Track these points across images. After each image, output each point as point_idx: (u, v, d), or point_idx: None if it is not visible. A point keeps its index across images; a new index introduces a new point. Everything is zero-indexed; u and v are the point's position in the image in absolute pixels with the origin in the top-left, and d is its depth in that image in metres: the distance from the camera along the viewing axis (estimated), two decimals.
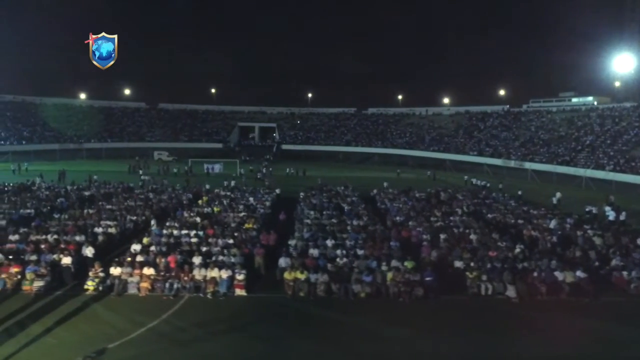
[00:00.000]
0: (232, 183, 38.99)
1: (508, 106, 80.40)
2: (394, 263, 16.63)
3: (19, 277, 14.90)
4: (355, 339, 12.46)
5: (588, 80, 73.94)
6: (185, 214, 25.04)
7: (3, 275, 14.87)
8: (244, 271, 15.45)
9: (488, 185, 42.52)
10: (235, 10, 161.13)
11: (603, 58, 67.91)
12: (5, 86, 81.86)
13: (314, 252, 18.06)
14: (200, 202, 29.58)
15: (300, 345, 12.06)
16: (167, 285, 14.89)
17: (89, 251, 16.81)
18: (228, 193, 33.31)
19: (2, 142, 66.17)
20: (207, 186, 35.93)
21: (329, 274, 15.42)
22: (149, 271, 15.25)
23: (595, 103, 69.61)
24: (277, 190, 34.83)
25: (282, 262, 16.86)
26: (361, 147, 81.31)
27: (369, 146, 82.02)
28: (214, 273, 15.32)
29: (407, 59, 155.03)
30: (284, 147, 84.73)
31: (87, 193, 32.20)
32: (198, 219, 23.60)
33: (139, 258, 16.50)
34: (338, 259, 17.01)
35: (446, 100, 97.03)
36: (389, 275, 15.43)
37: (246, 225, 22.47)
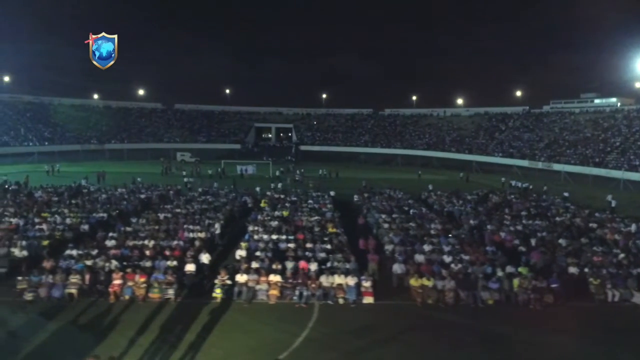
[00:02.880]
0: (279, 185, 38.84)
1: (528, 107, 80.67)
2: (509, 269, 16.54)
3: (145, 285, 14.66)
4: (506, 347, 12.35)
5: (610, 81, 74.19)
6: (260, 218, 24.84)
7: (130, 284, 14.63)
8: (370, 278, 15.31)
9: (530, 187, 42.47)
10: (245, 10, 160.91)
11: (625, 59, 68.16)
12: (21, 86, 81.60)
13: (419, 257, 17.97)
14: (262, 205, 29.40)
15: (458, 355, 11.94)
16: (296, 292, 14.72)
17: (205, 258, 16.61)
18: (282, 196, 33.05)
19: (26, 143, 65.67)
20: (258, 189, 35.76)
21: (455, 281, 15.30)
22: (275, 278, 15.08)
23: (619, 104, 69.84)
24: (332, 193, 34.63)
25: (397, 268, 16.74)
26: (383, 149, 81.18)
27: (389, 147, 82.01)
28: (340, 280, 15.17)
29: (421, 59, 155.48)
30: (303, 148, 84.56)
31: (142, 196, 31.88)
32: (276, 223, 23.43)
33: (254, 264, 16.32)
34: (452, 265, 16.90)
35: (460, 101, 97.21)
36: (515, 282, 15.33)
37: (329, 230, 22.32)
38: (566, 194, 37.28)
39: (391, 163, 75.40)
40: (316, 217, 25.17)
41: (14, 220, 22.62)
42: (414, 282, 15.27)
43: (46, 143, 67.55)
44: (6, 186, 34.92)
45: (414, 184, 45.19)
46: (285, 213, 26.37)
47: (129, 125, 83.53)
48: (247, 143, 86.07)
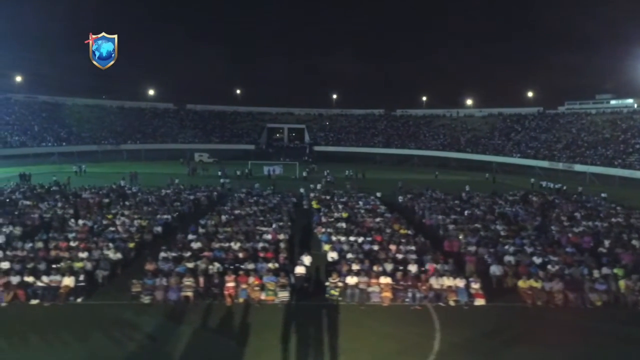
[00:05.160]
0: (318, 186, 38.84)
1: (542, 108, 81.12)
2: (604, 270, 16.68)
3: (258, 288, 14.62)
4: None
5: (625, 82, 74.74)
6: (324, 219, 24.84)
7: (243, 286, 14.58)
8: (479, 279, 15.37)
9: (564, 187, 42.69)
10: (254, 10, 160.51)
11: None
12: (34, 86, 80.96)
13: (509, 258, 18.05)
14: (315, 206, 29.38)
15: (601, 355, 12.03)
16: (409, 294, 14.74)
17: (307, 260, 16.57)
18: (328, 197, 33.00)
19: (44, 143, 65.19)
20: (302, 190, 35.74)
21: (563, 283, 15.39)
22: (386, 280, 15.10)
23: (636, 106, 70.46)
24: (378, 194, 34.66)
25: (495, 269, 16.84)
26: (398, 149, 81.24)
27: (403, 148, 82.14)
28: (449, 282, 15.22)
29: (429, 59, 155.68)
30: (317, 148, 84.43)
31: (191, 197, 31.71)
32: (343, 224, 23.43)
33: (355, 267, 16.34)
34: (549, 267, 17.00)
35: (469, 102, 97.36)
36: (622, 283, 15.45)
37: (401, 231, 22.34)
38: (604, 195, 37.54)
39: (407, 163, 75.43)
40: (380, 218, 25.20)
41: (81, 222, 22.51)
42: (522, 283, 15.36)
43: (64, 144, 67.04)
44: (46, 186, 34.63)
45: (432, 184, 44.16)
46: (344, 214, 26.36)
47: (142, 125, 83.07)
48: (260, 144, 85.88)
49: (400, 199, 34.15)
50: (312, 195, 34.10)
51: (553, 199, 34.87)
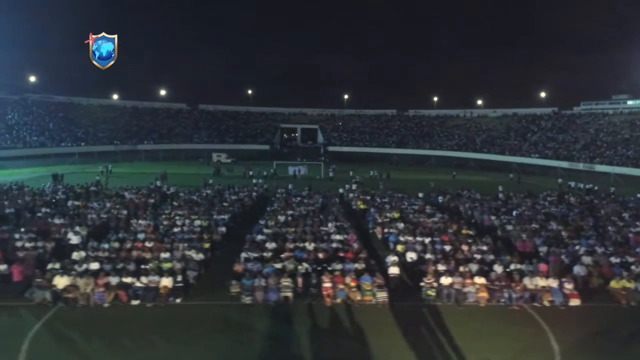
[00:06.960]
0: (354, 187, 38.79)
1: (557, 108, 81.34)
2: None
3: (355, 289, 14.57)
4: None
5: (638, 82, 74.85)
6: (379, 219, 24.82)
7: (340, 286, 14.53)
8: (572, 280, 15.36)
9: (596, 188, 42.76)
10: (262, 11, 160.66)
11: None
12: (50, 87, 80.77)
13: (586, 259, 18.05)
14: (362, 206, 29.35)
15: None
16: (505, 294, 14.72)
17: (395, 260, 16.50)
18: (368, 197, 32.96)
19: (63, 143, 64.97)
20: (341, 190, 35.68)
21: None
22: (480, 280, 15.08)
23: None
24: (420, 194, 34.64)
25: (579, 270, 16.83)
26: (414, 149, 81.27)
27: (418, 148, 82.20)
28: (543, 282, 15.20)
29: (442, 60, 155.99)
30: (331, 148, 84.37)
31: (234, 197, 31.63)
32: (402, 225, 23.40)
33: (441, 267, 16.33)
34: (633, 267, 17.01)
35: (479, 102, 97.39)
36: None
37: (463, 231, 22.32)
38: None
39: (425, 164, 75.38)
40: (435, 219, 25.18)
41: (143, 222, 22.42)
42: (615, 284, 15.36)
43: (82, 144, 66.86)
44: (84, 186, 34.46)
45: (449, 184, 43.82)
46: (396, 215, 26.34)
47: (157, 126, 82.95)
48: (275, 144, 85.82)
49: (440, 199, 34.09)
50: (351, 195, 34.10)
51: (591, 200, 34.93)
